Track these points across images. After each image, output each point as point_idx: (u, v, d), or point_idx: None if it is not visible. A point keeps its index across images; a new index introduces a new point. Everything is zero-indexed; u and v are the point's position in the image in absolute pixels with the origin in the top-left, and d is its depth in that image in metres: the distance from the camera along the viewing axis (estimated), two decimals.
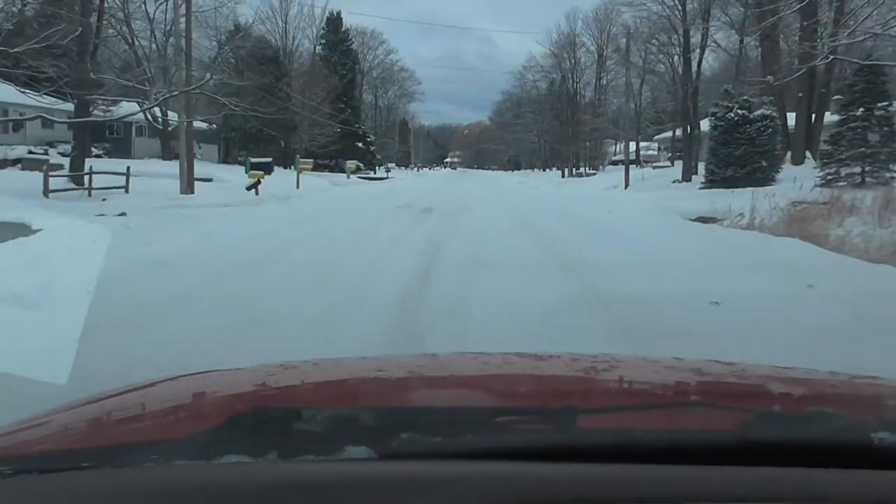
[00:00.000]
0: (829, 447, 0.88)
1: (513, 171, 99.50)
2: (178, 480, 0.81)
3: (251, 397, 1.26)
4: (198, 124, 52.21)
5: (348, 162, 38.39)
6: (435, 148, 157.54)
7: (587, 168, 53.75)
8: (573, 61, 57.33)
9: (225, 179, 28.40)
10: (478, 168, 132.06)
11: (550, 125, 60.61)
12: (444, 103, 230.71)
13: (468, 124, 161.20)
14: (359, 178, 51.73)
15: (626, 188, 33.30)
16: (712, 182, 24.22)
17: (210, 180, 27.96)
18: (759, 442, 0.86)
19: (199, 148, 53.16)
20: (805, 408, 1.25)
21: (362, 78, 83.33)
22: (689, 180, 30.95)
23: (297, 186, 30.36)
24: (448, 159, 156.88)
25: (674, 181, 31.95)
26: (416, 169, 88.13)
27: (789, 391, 1.37)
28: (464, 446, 0.87)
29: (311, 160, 38.56)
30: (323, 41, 60.14)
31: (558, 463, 0.81)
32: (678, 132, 41.28)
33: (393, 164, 58.11)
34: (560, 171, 67.12)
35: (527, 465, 0.81)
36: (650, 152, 65.30)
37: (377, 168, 56.13)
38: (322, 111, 51.00)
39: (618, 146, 61.73)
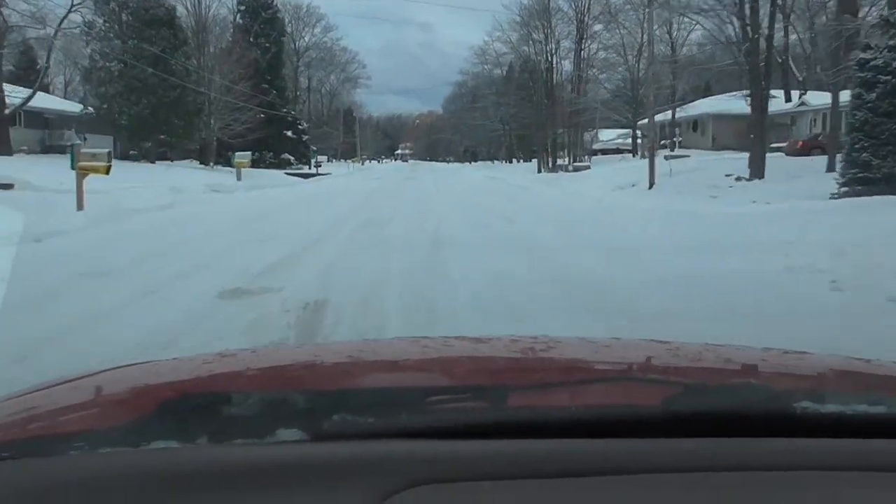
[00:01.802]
0: (752, 417, 0.88)
1: (470, 162, 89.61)
2: (102, 468, 0.79)
3: (184, 385, 1.21)
4: (69, 106, 41.41)
5: (237, 155, 26.40)
6: (385, 139, 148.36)
7: (569, 159, 43.85)
8: (548, 30, 47.29)
9: (36, 185, 17.62)
10: (431, 160, 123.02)
11: (519, 108, 50.42)
12: (391, 95, 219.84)
13: (419, 114, 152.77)
14: (286, 173, 41.11)
15: (650, 188, 23.33)
16: (864, 182, 14.11)
17: (10, 187, 17.26)
18: (683, 414, 0.87)
19: (84, 140, 42.09)
20: (731, 380, 1.27)
21: (298, 59, 72.35)
22: (762, 176, 20.98)
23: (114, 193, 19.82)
24: (399, 151, 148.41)
25: (735, 178, 21.85)
26: (360, 163, 76.76)
27: (718, 366, 1.39)
28: (395, 426, 0.86)
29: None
30: (242, 7, 49.10)
31: (488, 440, 0.82)
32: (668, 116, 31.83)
33: (325, 158, 46.98)
34: (530, 163, 57.19)
35: (457, 443, 0.81)
36: (629, 140, 56.20)
37: (311, 162, 45.12)
38: (236, 91, 40.24)
39: (596, 134, 51.89)
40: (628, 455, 0.81)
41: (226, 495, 0.75)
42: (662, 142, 50.70)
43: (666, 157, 33.19)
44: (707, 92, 53.36)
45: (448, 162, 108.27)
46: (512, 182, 31.99)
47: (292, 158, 47.57)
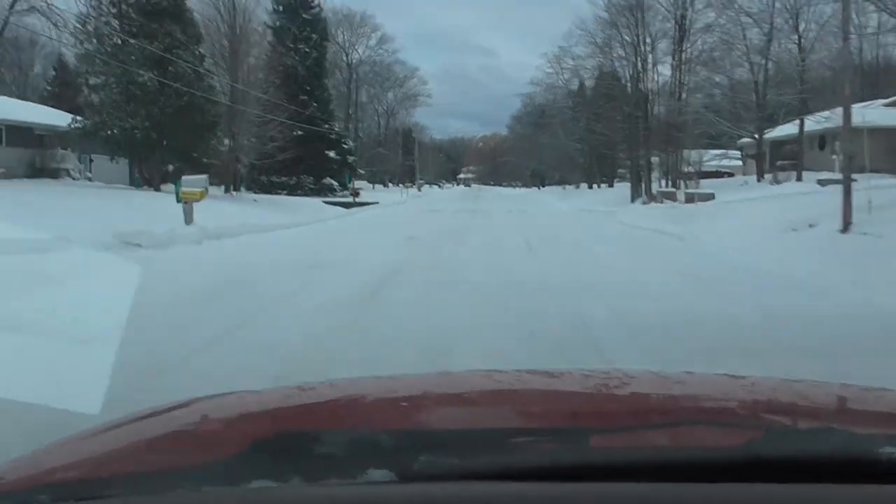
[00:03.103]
0: (836, 462, 0.88)
1: (539, 187, 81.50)
2: None
3: (271, 420, 1.27)
4: (53, 120, 34.36)
5: (185, 181, 16.31)
6: (447, 162, 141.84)
7: (672, 184, 35.21)
8: (640, 29, 38.98)
9: None
10: (495, 184, 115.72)
11: (604, 123, 42.18)
12: (452, 119, 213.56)
13: (482, 136, 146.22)
14: (325, 202, 33.63)
15: (844, 230, 14.91)
16: None
17: None
18: (766, 458, 0.88)
19: (91, 162, 35.41)
20: (812, 422, 1.26)
21: (351, 73, 65.45)
22: None
23: None
24: (461, 175, 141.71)
25: None
26: (417, 188, 68.78)
27: (798, 405, 1.37)
28: (480, 467, 0.88)
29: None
30: (279, 6, 42.05)
31: (571, 482, 0.83)
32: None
33: (366, 183, 38.63)
34: (613, 188, 48.74)
35: (540, 486, 0.83)
36: (725, 161, 47.28)
37: (349, 188, 37.02)
38: (264, 100, 33.02)
39: (688, 154, 43.12)
40: (711, 500, 0.81)
41: None
42: (779, 162, 41.88)
43: (821, 182, 24.58)
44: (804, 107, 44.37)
45: (514, 187, 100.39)
46: (627, 221, 22.73)
47: (335, 184, 40.18)
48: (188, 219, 15.80)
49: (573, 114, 54.07)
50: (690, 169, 36.54)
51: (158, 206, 18.03)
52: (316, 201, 34.13)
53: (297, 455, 0.95)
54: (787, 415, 1.31)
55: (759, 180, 31.54)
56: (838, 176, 27.35)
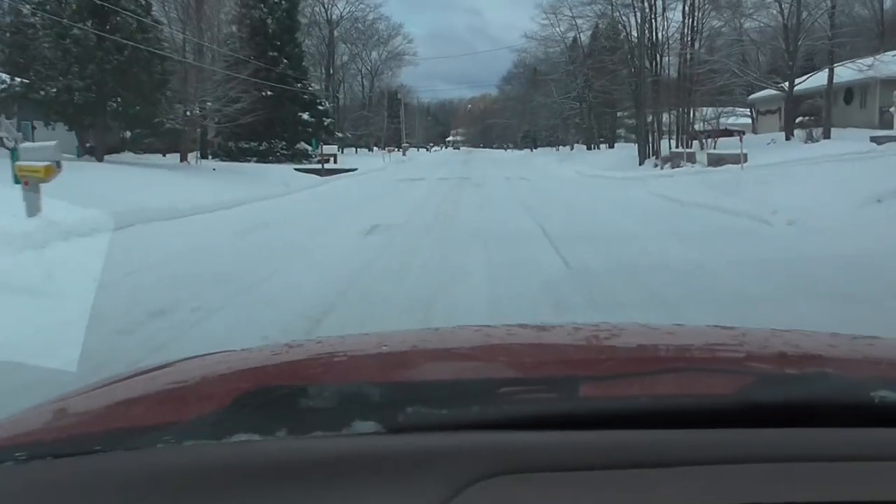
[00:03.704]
0: (829, 407, 0.87)
1: (531, 149, 77.58)
2: (189, 460, 0.83)
3: (258, 376, 1.25)
4: None
5: (22, 150, 12.04)
6: (435, 125, 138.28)
7: (677, 142, 31.34)
8: None
9: None
10: (485, 147, 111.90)
11: (607, 79, 38.22)
12: (440, 82, 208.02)
13: (471, 98, 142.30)
14: (298, 169, 29.72)
15: None
16: None
17: None
18: (758, 404, 0.87)
19: (33, 130, 31.33)
20: (804, 369, 1.24)
21: (330, 26, 60.96)
22: None
23: None
24: (450, 138, 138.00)
25: None
26: (402, 153, 64.26)
27: (789, 353, 1.35)
28: (469, 418, 0.87)
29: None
30: None
31: (560, 431, 0.83)
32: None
33: (330, 149, 33.50)
34: (614, 150, 44.92)
35: (531, 434, 0.82)
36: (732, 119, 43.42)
37: (316, 154, 32.26)
38: (226, 56, 29.01)
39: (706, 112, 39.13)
40: (703, 446, 0.81)
41: (307, 486, 0.77)
42: (798, 119, 38.12)
43: (877, 140, 20.92)
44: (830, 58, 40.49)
45: (506, 149, 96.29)
46: (661, 191, 17.46)
47: (310, 149, 36.20)
48: (32, 208, 9.90)
49: (571, 69, 50.01)
50: (707, 127, 32.74)
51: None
52: (287, 169, 30.30)
53: (282, 409, 0.95)
54: (778, 362, 1.29)
55: (787, 138, 27.80)
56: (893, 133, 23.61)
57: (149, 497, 0.78)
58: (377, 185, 26.59)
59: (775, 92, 42.35)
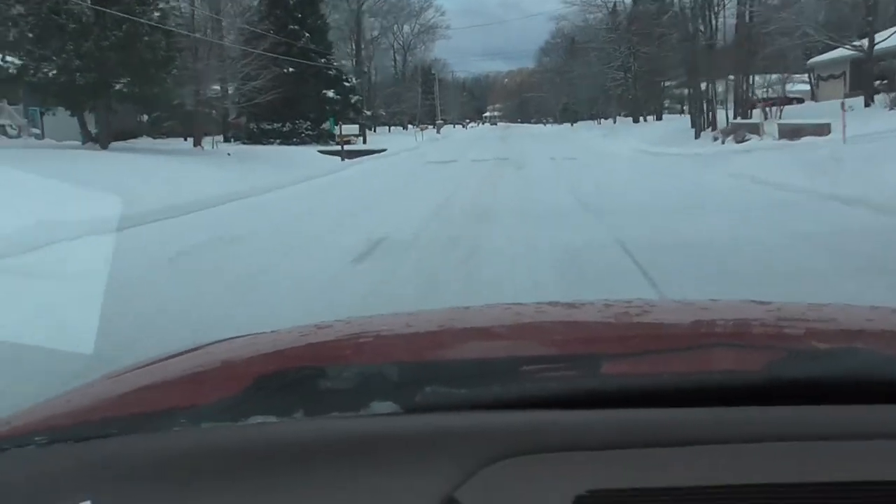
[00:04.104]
0: (860, 383, 0.85)
1: (571, 123, 74.39)
2: (204, 442, 0.83)
3: (279, 359, 1.25)
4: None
5: None
6: (471, 101, 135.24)
7: (734, 112, 28.15)
8: None
9: None
10: (522, 122, 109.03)
11: (657, 45, 35.12)
12: (474, 58, 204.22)
13: (508, 72, 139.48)
14: (321, 151, 27.24)
15: None
16: None
17: None
18: (786, 379, 0.85)
19: (42, 116, 29.41)
20: (835, 343, 1.22)
21: (359, 1, 58.26)
22: None
23: None
24: (486, 114, 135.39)
25: None
26: (436, 130, 61.34)
27: (822, 328, 1.34)
28: (488, 397, 0.86)
29: None
30: None
31: (584, 409, 0.81)
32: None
33: (350, 129, 30.11)
34: (661, 122, 41.85)
35: (552, 413, 0.81)
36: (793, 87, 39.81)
37: (336, 132, 28.71)
38: (242, 30, 26.65)
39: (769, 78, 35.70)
40: (730, 423, 0.79)
41: (322, 467, 0.77)
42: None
43: None
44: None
45: (544, 123, 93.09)
46: (749, 173, 14.01)
47: (336, 129, 33.78)
48: None
49: (613, 37, 46.82)
50: (771, 94, 29.63)
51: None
52: (310, 151, 27.95)
53: (300, 391, 0.95)
54: (810, 337, 1.27)
55: (867, 105, 24.64)
56: None
57: (164, 479, 0.78)
58: (405, 169, 23.59)
59: (840, 54, 38.98)
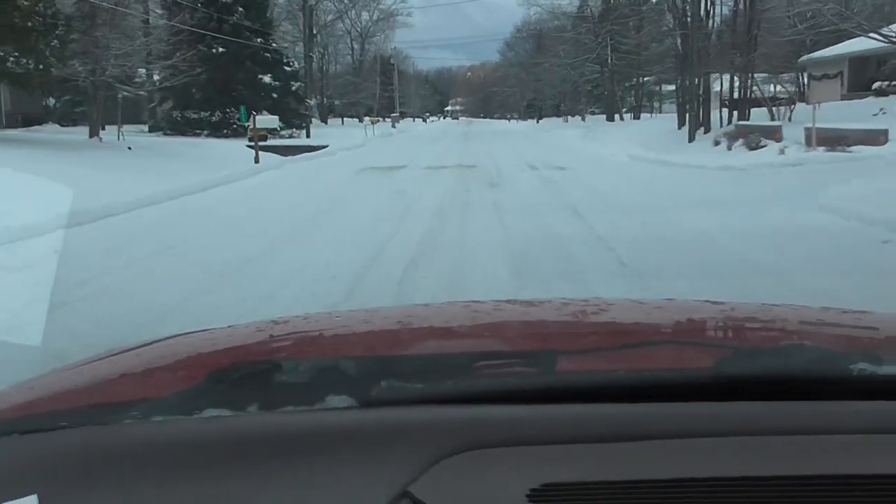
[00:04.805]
0: (806, 380, 0.86)
1: (537, 120, 70.41)
2: (155, 435, 0.82)
3: (235, 353, 1.24)
4: None
5: None
6: (433, 95, 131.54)
7: (730, 113, 24.16)
8: None
9: None
10: (485, 117, 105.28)
11: (640, 36, 31.11)
12: (438, 51, 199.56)
13: (472, 66, 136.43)
14: (250, 146, 22.39)
15: None
16: None
17: None
18: (735, 377, 0.86)
19: None
20: (783, 342, 1.24)
21: None
22: None
23: None
24: (449, 108, 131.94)
25: None
26: (391, 123, 56.38)
27: (772, 326, 1.36)
28: (443, 391, 0.87)
29: None
30: None
31: (535, 404, 0.83)
32: None
33: (264, 121, 24.48)
34: (640, 121, 37.82)
35: (505, 408, 0.82)
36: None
37: (251, 129, 22.70)
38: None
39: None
40: (678, 419, 0.80)
41: (277, 461, 0.76)
42: (876, 84, 31.08)
43: None
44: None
45: (509, 119, 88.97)
46: (839, 207, 8.68)
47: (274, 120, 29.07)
48: None
49: (588, 26, 42.68)
50: (783, 93, 25.72)
51: None
52: (237, 146, 23.23)
53: (255, 385, 0.94)
54: (759, 335, 1.28)
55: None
56: None
57: (115, 472, 0.77)
58: (335, 179, 16.98)
59: (837, 51, 35.38)
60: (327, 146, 25.75)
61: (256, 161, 18.98)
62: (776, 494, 0.73)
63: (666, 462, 0.75)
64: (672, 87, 46.41)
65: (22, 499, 0.73)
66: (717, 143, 21.72)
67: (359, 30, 72.47)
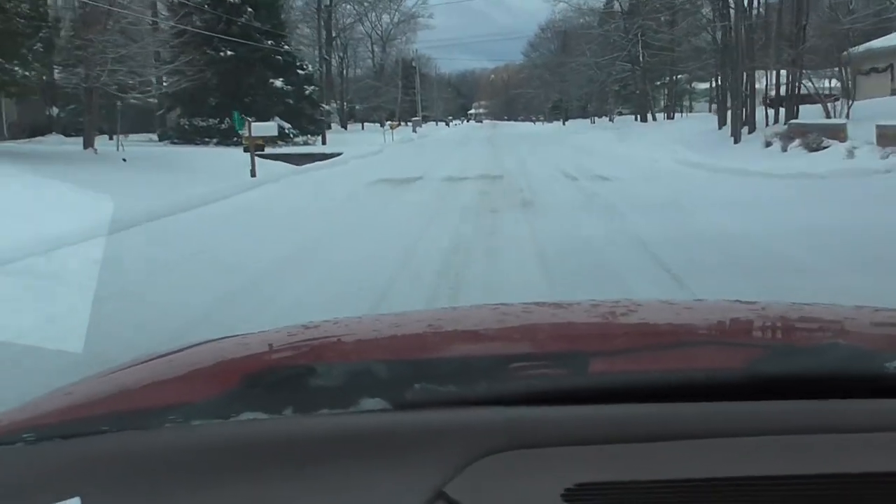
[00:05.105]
0: (840, 378, 0.86)
1: (563, 122, 68.39)
2: (194, 439, 0.83)
3: (269, 358, 1.26)
4: None
5: None
6: (456, 98, 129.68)
7: (776, 112, 22.11)
8: None
9: None
10: (509, 120, 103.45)
11: (675, 31, 29.05)
12: (460, 54, 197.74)
13: (495, 68, 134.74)
14: (262, 155, 20.56)
15: None
16: None
17: None
18: (769, 376, 0.86)
19: None
20: (818, 341, 1.24)
21: None
22: None
23: None
24: (472, 111, 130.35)
25: None
26: (412, 128, 54.44)
27: (804, 325, 1.36)
28: (476, 393, 0.87)
29: None
30: None
31: (568, 405, 0.83)
32: None
33: (260, 129, 22.61)
34: (674, 121, 35.81)
35: (539, 409, 0.82)
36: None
37: (246, 137, 20.64)
38: None
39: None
40: (712, 418, 0.80)
41: (312, 464, 0.78)
42: None
43: None
44: None
45: (534, 122, 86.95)
46: None
47: (286, 126, 27.32)
48: None
49: (617, 23, 40.66)
50: (830, 89, 23.64)
51: None
52: (243, 156, 21.55)
53: (290, 389, 0.96)
54: (792, 334, 1.29)
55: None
56: None
57: (154, 475, 0.78)
58: (339, 195, 14.45)
59: (884, 44, 33.11)
60: (341, 153, 24.00)
61: (253, 174, 17.12)
62: (812, 493, 0.73)
63: (701, 461, 0.75)
64: (704, 86, 44.59)
65: (65, 501, 0.74)
66: (768, 145, 19.66)
67: (379, 33, 70.91)
